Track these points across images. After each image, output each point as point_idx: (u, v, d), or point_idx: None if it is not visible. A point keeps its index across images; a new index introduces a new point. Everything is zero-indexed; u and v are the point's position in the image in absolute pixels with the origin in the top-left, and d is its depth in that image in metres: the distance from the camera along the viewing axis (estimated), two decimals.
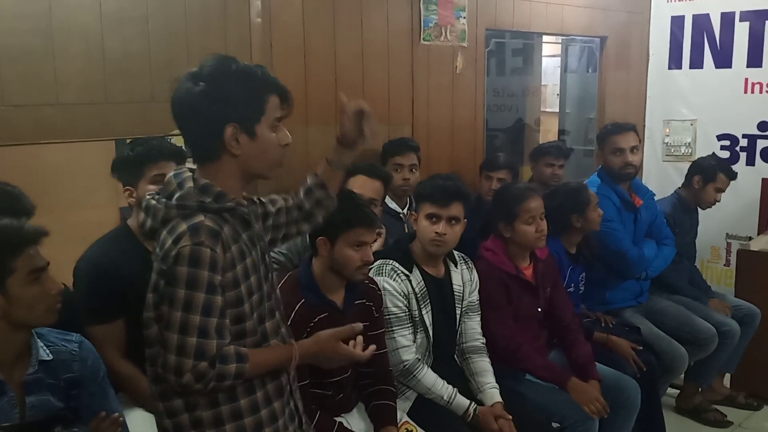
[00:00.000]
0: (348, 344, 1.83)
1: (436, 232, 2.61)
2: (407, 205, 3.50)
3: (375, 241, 2.35)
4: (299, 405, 1.84)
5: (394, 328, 2.54)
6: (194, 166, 1.68)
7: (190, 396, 1.61)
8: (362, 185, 2.91)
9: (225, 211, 1.61)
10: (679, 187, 4.03)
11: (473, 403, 2.57)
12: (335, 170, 1.92)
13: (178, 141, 2.89)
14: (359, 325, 1.83)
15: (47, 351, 1.77)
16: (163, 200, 1.62)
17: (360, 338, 1.86)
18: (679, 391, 3.86)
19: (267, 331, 1.72)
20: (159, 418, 1.70)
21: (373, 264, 2.44)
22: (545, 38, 5.80)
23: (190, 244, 1.53)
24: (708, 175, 3.91)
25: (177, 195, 1.61)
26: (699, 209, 4.07)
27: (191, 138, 1.66)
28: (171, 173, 1.67)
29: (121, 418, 1.81)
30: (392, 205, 3.41)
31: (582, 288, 3.34)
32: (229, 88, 1.58)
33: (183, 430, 1.65)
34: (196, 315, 1.54)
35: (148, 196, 1.68)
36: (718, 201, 3.94)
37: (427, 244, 2.65)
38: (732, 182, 4.75)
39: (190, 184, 1.61)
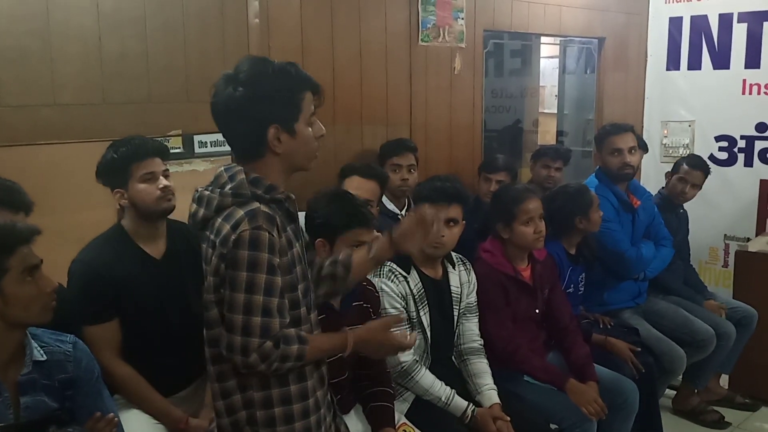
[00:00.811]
0: None
1: (437, 234, 2.61)
2: (405, 207, 3.49)
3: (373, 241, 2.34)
4: (334, 398, 1.93)
5: (391, 330, 2.54)
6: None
7: (245, 377, 1.67)
8: (357, 186, 2.91)
9: (274, 202, 1.68)
10: (662, 187, 4.04)
11: (471, 404, 2.57)
12: (369, 261, 1.97)
13: (174, 142, 2.90)
14: (403, 315, 1.90)
15: (41, 352, 1.77)
16: (217, 190, 1.68)
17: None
18: (675, 392, 3.86)
19: (312, 322, 1.78)
20: (214, 400, 1.76)
21: None
22: (543, 39, 5.80)
23: (249, 228, 1.59)
24: (673, 168, 3.96)
25: (230, 185, 1.67)
26: (687, 209, 4.07)
27: (235, 139, 1.73)
28: (222, 168, 1.73)
29: (116, 419, 1.81)
30: (390, 206, 3.41)
31: (582, 289, 3.34)
32: (269, 90, 1.64)
33: (235, 410, 1.71)
34: (258, 295, 1.60)
35: (200, 189, 1.74)
36: (686, 192, 3.88)
37: (426, 246, 2.65)
38: (730, 183, 4.79)
39: (242, 176, 1.68)
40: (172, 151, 2.58)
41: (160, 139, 2.65)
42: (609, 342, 3.17)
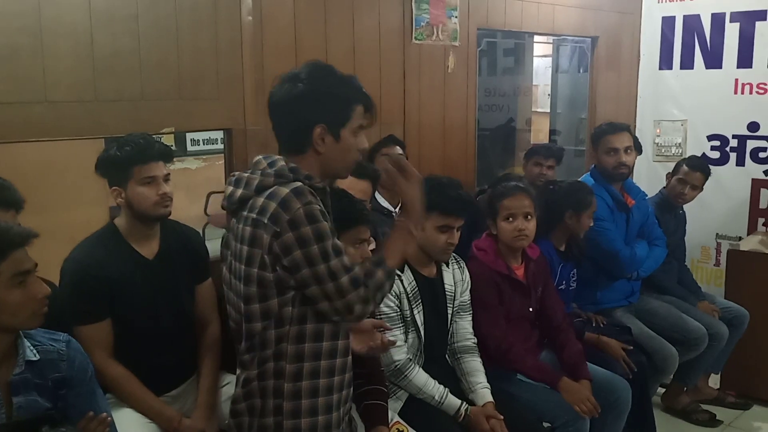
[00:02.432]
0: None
1: (449, 242, 2.60)
2: (399, 204, 3.48)
3: (369, 239, 2.35)
4: (351, 403, 2.00)
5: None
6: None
7: (280, 361, 1.76)
8: (350, 185, 2.89)
9: (318, 190, 1.75)
10: (663, 187, 4.05)
11: (464, 403, 2.57)
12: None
13: (167, 139, 2.88)
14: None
15: (34, 351, 1.75)
16: (258, 171, 1.76)
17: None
18: (664, 390, 3.87)
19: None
20: (243, 394, 1.81)
21: None
22: (536, 38, 5.82)
23: (302, 205, 1.67)
24: (674, 169, 3.98)
25: (272, 169, 1.75)
26: (684, 209, 4.09)
27: (283, 131, 1.82)
28: (260, 156, 1.81)
29: (109, 418, 1.79)
30: (384, 203, 3.40)
31: (573, 285, 3.34)
32: (325, 92, 1.76)
33: (254, 396, 1.79)
34: (335, 259, 1.69)
35: (237, 172, 1.81)
36: (686, 194, 3.90)
37: (438, 253, 2.65)
38: (722, 183, 4.80)
39: (282, 164, 1.76)
40: None
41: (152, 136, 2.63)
42: (601, 341, 3.17)
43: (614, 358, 3.10)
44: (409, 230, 1.86)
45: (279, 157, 1.79)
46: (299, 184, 1.71)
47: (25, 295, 1.66)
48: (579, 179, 3.68)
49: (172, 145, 2.84)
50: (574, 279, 3.34)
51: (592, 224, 3.27)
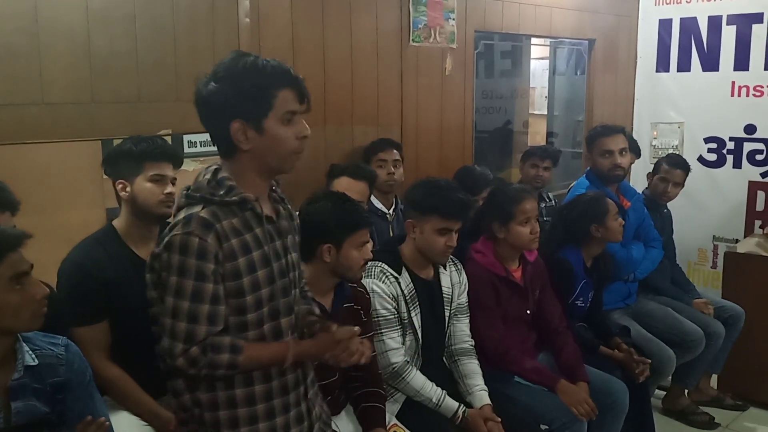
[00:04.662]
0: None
1: (448, 245, 2.60)
2: (393, 206, 3.49)
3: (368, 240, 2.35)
4: (315, 410, 1.85)
5: (382, 331, 2.53)
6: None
7: (190, 378, 1.68)
8: (347, 187, 2.90)
9: (232, 204, 1.66)
10: (645, 188, 4.06)
11: (462, 405, 2.57)
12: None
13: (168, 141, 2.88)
14: (357, 329, 1.81)
15: (33, 356, 1.74)
16: (184, 192, 1.71)
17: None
18: (665, 393, 3.88)
19: (282, 328, 1.75)
20: (169, 398, 1.79)
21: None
22: (534, 40, 5.81)
23: (181, 233, 1.60)
24: (654, 168, 4.00)
25: (194, 185, 1.70)
26: (669, 209, 4.09)
27: (210, 134, 1.72)
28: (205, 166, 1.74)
29: (107, 423, 1.78)
30: (378, 205, 3.40)
31: (586, 305, 3.24)
32: (236, 84, 1.61)
33: (186, 409, 1.74)
34: (185, 301, 1.60)
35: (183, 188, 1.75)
36: (669, 191, 3.90)
37: (437, 256, 2.65)
38: (719, 185, 4.82)
39: (208, 176, 1.69)
40: None
41: None
42: (614, 356, 3.11)
43: (628, 369, 3.04)
44: (286, 355, 1.71)
45: (216, 167, 1.70)
46: (196, 210, 1.63)
47: (23, 296, 1.66)
48: (573, 183, 3.68)
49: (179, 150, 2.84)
50: (590, 300, 3.26)
51: (623, 222, 3.23)
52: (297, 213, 1.97)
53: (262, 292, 1.68)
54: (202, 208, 1.63)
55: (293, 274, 1.79)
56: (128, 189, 2.26)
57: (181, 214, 1.65)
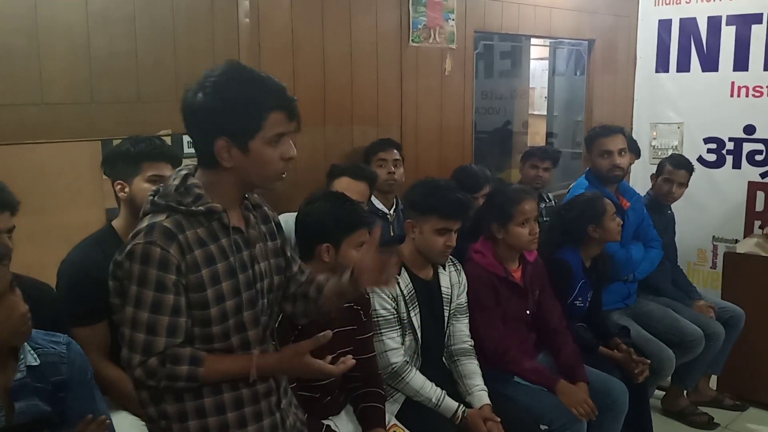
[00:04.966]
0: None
1: (447, 245, 2.60)
2: (393, 206, 3.49)
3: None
4: (289, 419, 1.80)
5: (382, 331, 2.53)
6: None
7: (152, 389, 1.63)
8: (347, 187, 2.90)
9: (198, 214, 1.61)
10: (650, 189, 4.06)
11: (462, 405, 2.57)
12: (339, 291, 1.80)
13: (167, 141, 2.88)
14: (327, 334, 1.71)
15: (35, 355, 1.73)
16: (149, 197, 1.65)
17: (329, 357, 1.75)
18: (664, 393, 3.88)
19: (250, 339, 1.70)
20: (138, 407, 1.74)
21: None
22: (533, 41, 5.82)
23: (143, 242, 1.56)
24: (657, 170, 4.00)
25: (159, 192, 1.64)
26: (673, 209, 4.09)
27: (192, 142, 1.67)
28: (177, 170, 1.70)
29: (107, 421, 1.78)
30: (379, 205, 3.41)
31: (585, 305, 3.24)
32: (226, 101, 1.56)
33: (152, 421, 1.69)
34: (144, 312, 1.56)
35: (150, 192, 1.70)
36: (674, 192, 3.91)
37: (436, 256, 2.65)
38: (718, 185, 4.82)
39: (177, 182, 1.63)
40: None
41: None
42: (614, 356, 3.12)
43: (629, 371, 3.04)
44: (248, 369, 1.65)
45: (185, 172, 1.65)
46: (160, 219, 1.58)
47: (3, 314, 1.61)
48: (573, 183, 3.68)
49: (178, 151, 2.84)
50: (589, 300, 3.26)
51: (621, 222, 3.23)
52: (276, 214, 1.91)
53: (227, 304, 1.63)
54: (167, 217, 1.59)
55: (261, 285, 1.73)
56: (127, 190, 2.26)
57: (145, 222, 1.60)
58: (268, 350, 1.78)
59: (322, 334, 1.69)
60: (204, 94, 1.56)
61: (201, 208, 1.61)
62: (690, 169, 3.94)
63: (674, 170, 3.90)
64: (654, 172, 4.05)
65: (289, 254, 1.88)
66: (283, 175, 1.66)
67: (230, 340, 1.67)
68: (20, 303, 1.66)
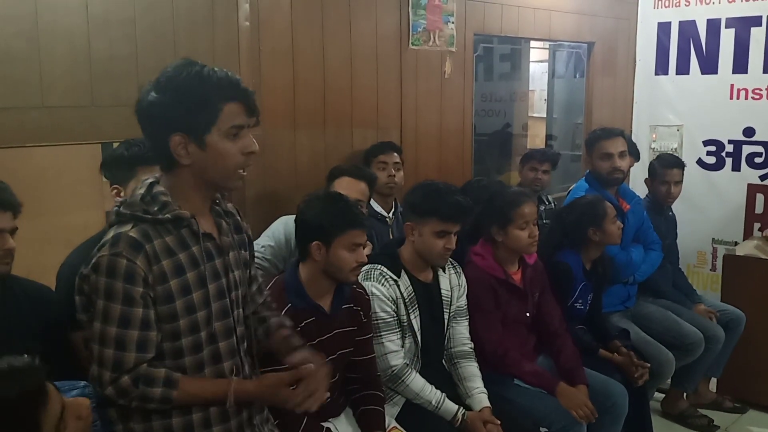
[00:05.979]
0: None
1: (447, 248, 2.60)
2: (393, 209, 3.49)
3: (366, 243, 2.34)
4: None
5: (382, 333, 2.54)
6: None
7: (122, 409, 1.59)
8: (347, 186, 2.90)
9: (166, 222, 1.58)
10: (648, 193, 4.06)
11: (462, 408, 2.57)
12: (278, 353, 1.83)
13: None
14: (309, 367, 1.68)
15: None
16: (115, 207, 1.62)
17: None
18: (664, 395, 3.88)
19: (221, 351, 1.67)
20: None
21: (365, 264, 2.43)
22: (533, 44, 5.82)
23: (108, 254, 1.52)
24: (650, 174, 3.99)
25: (124, 202, 1.61)
26: (674, 211, 4.09)
27: (151, 147, 1.65)
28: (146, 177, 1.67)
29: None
30: (378, 208, 3.41)
31: (586, 307, 3.24)
32: (179, 95, 1.54)
33: None
34: (112, 326, 1.52)
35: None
36: (672, 192, 3.91)
37: (436, 259, 2.65)
38: (718, 188, 4.82)
39: (143, 191, 1.61)
40: None
41: None
42: (614, 359, 3.12)
43: (628, 375, 3.04)
44: (226, 395, 1.62)
45: (152, 180, 1.62)
46: (125, 230, 1.54)
47: None
48: (573, 186, 3.68)
49: None
50: (589, 302, 3.26)
51: (621, 226, 3.24)
52: (247, 225, 1.87)
53: (198, 315, 1.60)
54: (132, 227, 1.55)
55: (235, 294, 1.70)
56: (122, 194, 2.25)
57: (111, 233, 1.55)
58: (244, 365, 1.74)
59: (305, 367, 1.67)
60: (157, 91, 1.55)
61: (168, 215, 1.57)
62: (681, 165, 3.94)
63: (667, 171, 3.90)
64: (647, 176, 4.04)
65: (251, 271, 1.84)
66: (243, 173, 1.63)
67: (201, 354, 1.63)
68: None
